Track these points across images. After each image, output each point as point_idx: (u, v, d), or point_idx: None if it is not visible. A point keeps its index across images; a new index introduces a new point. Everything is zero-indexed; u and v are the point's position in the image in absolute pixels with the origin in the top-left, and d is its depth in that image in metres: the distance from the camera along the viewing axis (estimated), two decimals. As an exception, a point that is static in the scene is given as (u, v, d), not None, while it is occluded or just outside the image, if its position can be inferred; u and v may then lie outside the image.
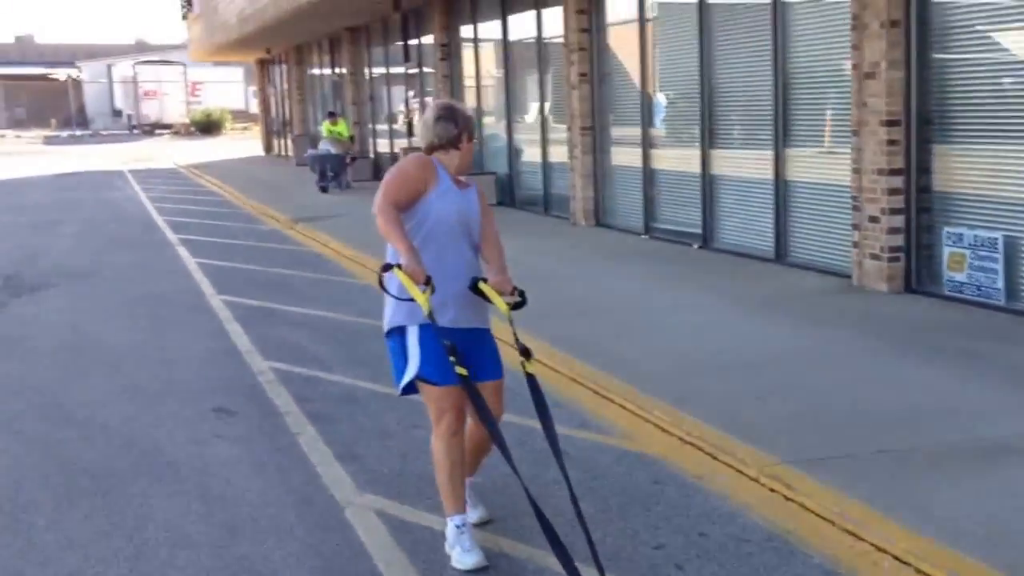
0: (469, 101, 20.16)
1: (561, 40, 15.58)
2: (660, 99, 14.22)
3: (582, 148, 15.12)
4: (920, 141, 9.51)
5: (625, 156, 14.73)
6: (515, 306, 4.67)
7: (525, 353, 4.48)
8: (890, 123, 9.50)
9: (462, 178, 4.83)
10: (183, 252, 15.02)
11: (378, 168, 26.12)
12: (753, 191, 11.95)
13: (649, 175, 13.98)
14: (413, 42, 22.73)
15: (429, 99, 23.00)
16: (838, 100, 10.63)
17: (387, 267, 4.44)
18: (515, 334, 4.56)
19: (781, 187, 11.34)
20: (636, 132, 14.17)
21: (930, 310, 9.01)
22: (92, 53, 74.24)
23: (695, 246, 12.82)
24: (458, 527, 4.63)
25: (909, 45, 9.40)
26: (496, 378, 4.78)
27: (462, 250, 4.68)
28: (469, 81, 20.04)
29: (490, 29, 18.79)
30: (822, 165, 11.00)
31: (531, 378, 4.48)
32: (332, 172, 23.14)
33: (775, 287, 10.28)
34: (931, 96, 9.42)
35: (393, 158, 24.92)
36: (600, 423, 6.69)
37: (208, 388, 7.80)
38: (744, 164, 12.23)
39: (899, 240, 9.64)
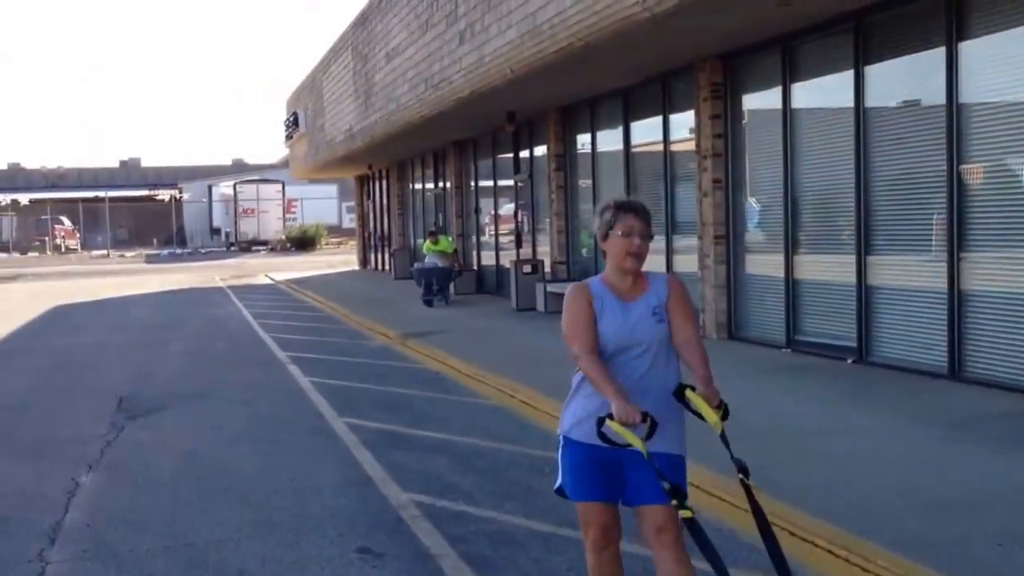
0: (586, 211, 19.53)
1: (690, 146, 14.88)
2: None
3: (714, 257, 14.26)
4: None
5: (763, 265, 13.84)
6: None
7: (744, 470, 4.04)
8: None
9: (649, 274, 4.44)
10: (294, 370, 14.36)
11: (481, 280, 25.52)
12: (919, 300, 10.95)
13: (792, 284, 13.04)
14: (524, 153, 22.23)
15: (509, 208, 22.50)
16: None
17: (600, 422, 4.13)
18: (730, 449, 4.09)
19: (955, 295, 10.34)
20: (776, 239, 13.30)
21: None
22: (193, 174, 75.83)
23: (849, 360, 11.80)
24: None
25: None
26: (657, 503, 4.23)
27: (645, 368, 4.30)
28: (585, 191, 19.39)
29: (610, 138, 18.18)
30: (1005, 270, 10.00)
31: (754, 502, 4.04)
32: (438, 286, 22.42)
33: (955, 406, 9.22)
34: None
35: (499, 271, 24.37)
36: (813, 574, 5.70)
37: (347, 524, 6.96)
38: (906, 272, 11.25)
39: (1111, 354, 8.58)
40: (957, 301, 10.34)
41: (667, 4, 10.42)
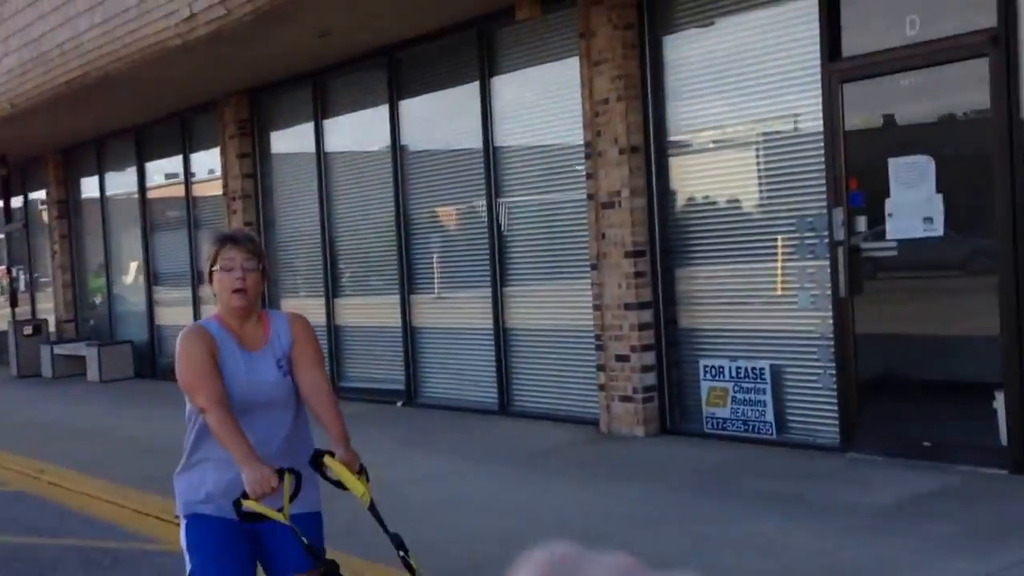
0: (95, 259, 17.93)
1: (217, 187, 14.06)
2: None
3: (249, 304, 13.52)
4: (664, 271, 8.94)
5: (303, 310, 13.28)
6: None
7: (401, 545, 3.57)
8: (636, 253, 8.86)
9: (271, 312, 3.98)
10: None
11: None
12: (466, 338, 10.96)
13: (334, 329, 12.62)
14: (17, 200, 20.07)
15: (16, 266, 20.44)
16: (552, 233, 10.01)
17: (237, 505, 3.52)
18: (383, 523, 3.62)
19: (500, 332, 10.43)
20: (316, 283, 12.85)
21: (705, 451, 8.27)
22: None
23: (399, 403, 11.56)
24: None
25: (650, 172, 8.88)
26: (303, 571, 3.80)
27: (272, 427, 3.81)
28: (94, 239, 17.81)
29: (122, 180, 16.82)
30: (545, 304, 10.23)
31: (412, 572, 3.56)
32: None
33: (518, 442, 9.22)
34: (670, 224, 8.92)
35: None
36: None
37: None
38: (457, 310, 11.24)
39: (652, 379, 8.94)
40: (503, 337, 10.43)
41: (201, 31, 9.67)
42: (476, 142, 10.49)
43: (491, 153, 10.35)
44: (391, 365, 11.85)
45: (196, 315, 14.78)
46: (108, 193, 17.28)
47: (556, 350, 10.04)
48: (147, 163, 15.99)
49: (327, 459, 3.64)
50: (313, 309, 12.85)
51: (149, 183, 16.05)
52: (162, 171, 15.94)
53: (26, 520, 8.33)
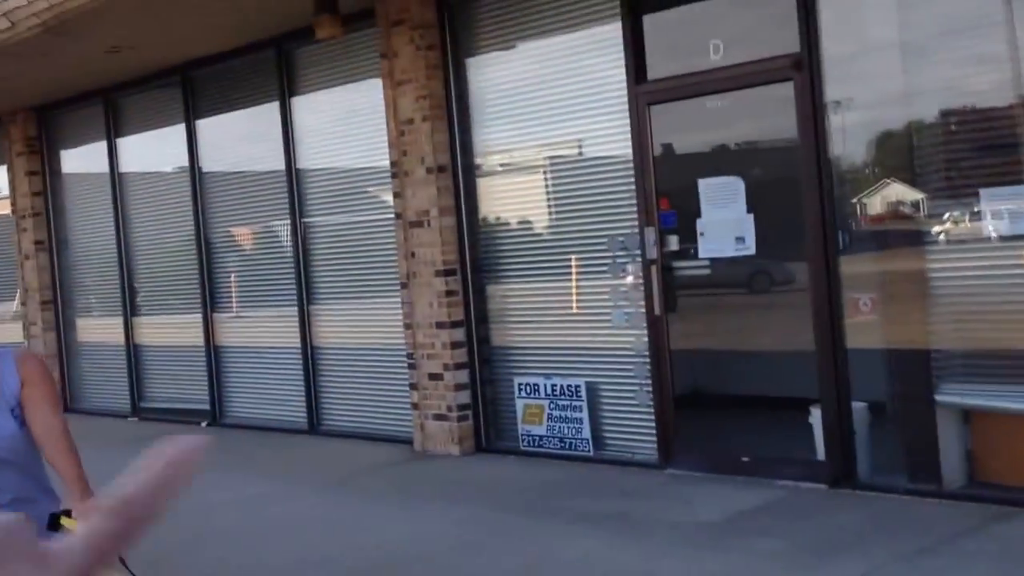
0: None
1: (6, 205, 13.40)
2: None
3: (43, 325, 12.95)
4: (476, 290, 9.03)
5: (100, 330, 12.83)
6: None
7: None
8: (447, 272, 8.91)
9: None
10: None
11: None
12: (275, 357, 10.80)
13: (133, 348, 12.22)
14: None
15: None
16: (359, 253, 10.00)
17: None
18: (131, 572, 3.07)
19: (308, 351, 10.34)
20: (113, 303, 12.41)
21: (523, 470, 8.36)
22: None
23: (204, 423, 11.30)
24: None
25: (458, 191, 8.95)
26: None
27: (6, 483, 3.30)
28: None
29: None
30: (354, 323, 10.19)
31: None
32: None
33: (329, 463, 9.16)
34: (481, 243, 9.01)
35: None
36: None
37: None
38: (263, 329, 11.05)
39: (466, 397, 9.01)
40: (311, 356, 10.34)
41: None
42: (278, 162, 10.35)
43: (293, 173, 10.23)
44: (194, 385, 11.57)
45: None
46: None
47: (367, 369, 10.00)
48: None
49: (64, 520, 3.29)
50: (111, 329, 12.44)
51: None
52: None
53: None
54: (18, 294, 14.94)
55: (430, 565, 6.18)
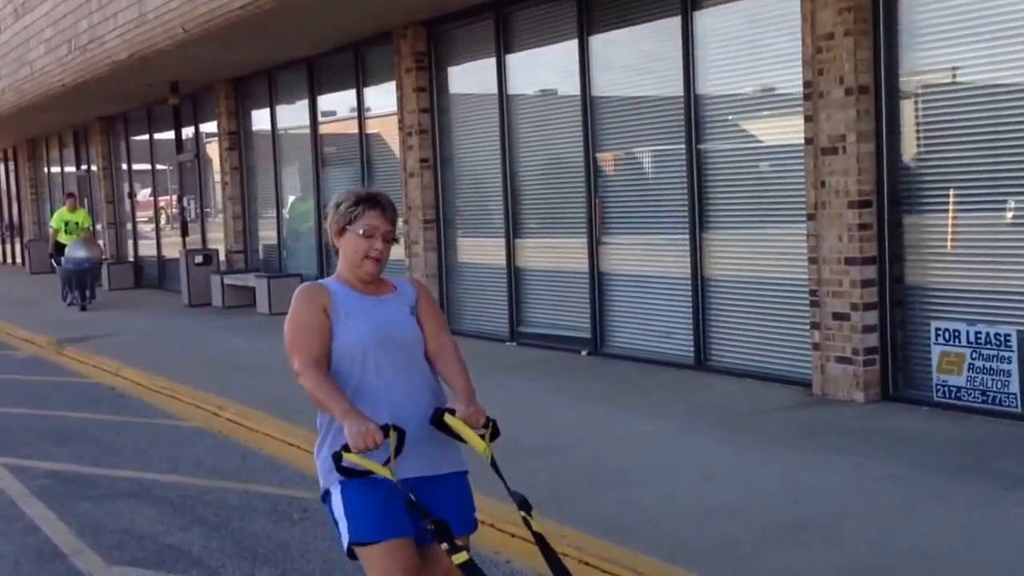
0: (266, 195, 17.85)
1: (391, 121, 13.68)
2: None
3: (424, 243, 13.17)
4: (892, 224, 8.18)
5: (480, 252, 12.91)
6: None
7: (524, 505, 3.45)
8: (861, 204, 8.12)
9: (389, 279, 3.88)
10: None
11: (140, 273, 23.09)
12: (662, 286, 10.38)
13: (514, 271, 12.17)
14: (188, 131, 20.15)
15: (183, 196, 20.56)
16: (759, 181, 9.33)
17: (337, 457, 3.47)
18: (505, 481, 3.54)
19: (699, 281, 9.83)
20: (495, 224, 12.40)
21: (939, 424, 7.56)
22: None
23: (584, 352, 11.09)
24: None
25: (879, 115, 8.10)
26: (465, 532, 3.73)
27: (403, 376, 3.68)
28: (265, 172, 17.72)
29: (293, 113, 16.62)
30: (749, 254, 9.58)
31: (540, 537, 3.40)
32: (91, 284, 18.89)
33: (723, 402, 8.66)
34: (901, 172, 8.14)
35: (160, 262, 22.19)
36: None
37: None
38: (650, 257, 10.65)
39: (874, 340, 8.24)
40: (701, 287, 9.84)
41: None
42: (675, 84, 9.82)
43: (692, 97, 9.66)
44: (576, 312, 11.36)
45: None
46: (279, 126, 17.11)
47: (762, 304, 9.38)
48: (320, 96, 15.71)
49: (447, 417, 3.58)
50: (492, 250, 12.44)
51: (321, 117, 15.78)
52: (335, 104, 15.66)
53: (209, 461, 8.18)
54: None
55: (861, 526, 5.56)
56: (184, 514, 6.80)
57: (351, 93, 14.75)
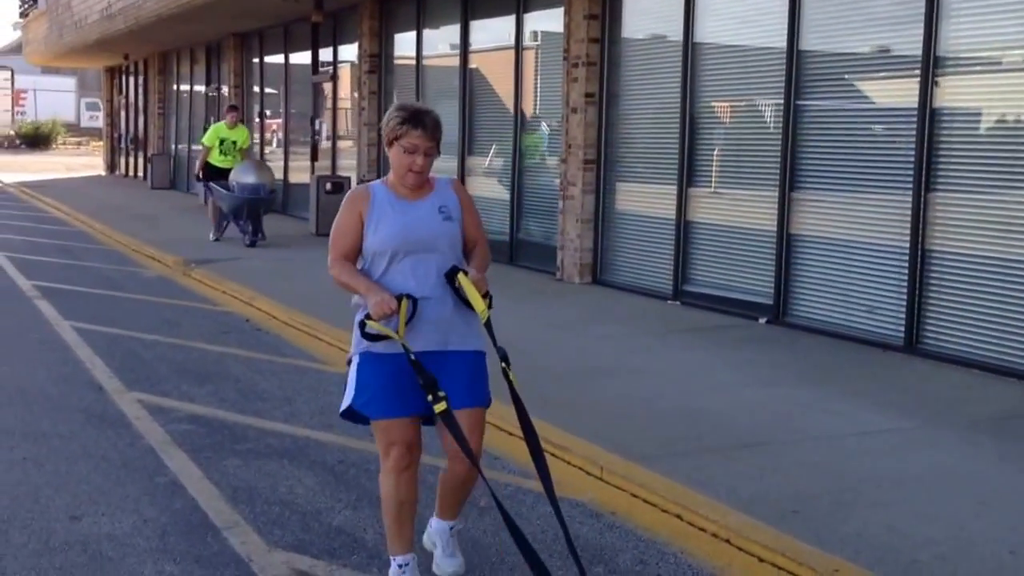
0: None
1: (552, 52, 12.46)
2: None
3: (582, 186, 11.96)
4: None
5: (644, 199, 11.66)
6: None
7: (504, 358, 4.06)
8: None
9: (436, 177, 4.35)
10: (47, 309, 11.18)
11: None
12: (865, 253, 9.04)
13: (684, 224, 10.91)
14: (326, 52, 19.16)
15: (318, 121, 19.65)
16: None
17: (361, 325, 4.15)
18: (494, 337, 4.13)
19: (917, 250, 8.48)
20: (668, 171, 11.13)
21: None
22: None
23: (762, 320, 9.82)
24: (400, 567, 4.29)
25: None
26: (473, 405, 4.21)
27: (429, 265, 4.21)
28: (406, 99, 16.62)
29: (442, 38, 15.47)
30: (992, 225, 8.18)
31: (512, 386, 4.02)
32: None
33: (958, 397, 7.34)
34: None
35: (287, 188, 21.37)
36: None
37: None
38: (852, 219, 9.29)
39: None
40: (920, 259, 8.49)
41: None
42: (780, 39, 9.08)
43: (795, 53, 8.90)
44: (757, 274, 10.07)
45: (515, 190, 13.43)
46: (425, 52, 15.96)
47: (991, 282, 8.01)
48: (472, 22, 14.49)
49: (461, 276, 4.13)
50: (660, 198, 11.21)
51: (473, 46, 14.56)
52: (488, 31, 14.45)
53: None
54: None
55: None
56: (349, 487, 5.78)
57: (510, 19, 13.50)
